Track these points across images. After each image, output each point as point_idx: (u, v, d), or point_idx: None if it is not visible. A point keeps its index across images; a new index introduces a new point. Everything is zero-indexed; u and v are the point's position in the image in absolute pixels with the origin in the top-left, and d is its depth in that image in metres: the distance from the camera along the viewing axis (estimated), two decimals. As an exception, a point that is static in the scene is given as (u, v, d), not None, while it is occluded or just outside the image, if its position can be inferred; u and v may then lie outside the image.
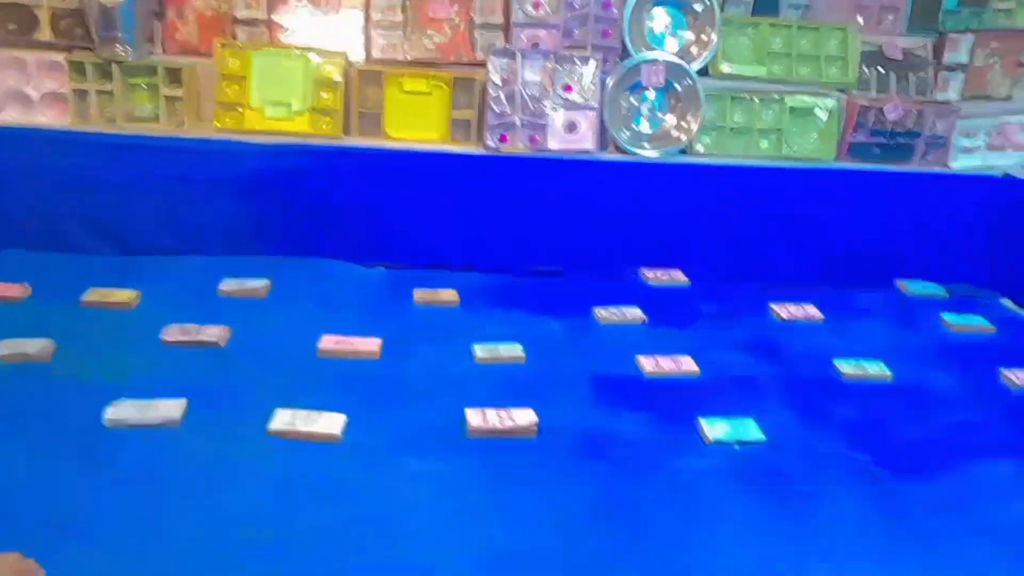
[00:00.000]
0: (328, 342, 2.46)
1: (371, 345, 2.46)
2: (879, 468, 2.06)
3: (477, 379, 2.35)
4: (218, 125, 3.07)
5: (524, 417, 2.12)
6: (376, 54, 3.22)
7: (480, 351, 2.47)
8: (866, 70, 3.34)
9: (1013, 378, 2.51)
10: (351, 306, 2.73)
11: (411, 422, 2.12)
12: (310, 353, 2.42)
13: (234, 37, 3.18)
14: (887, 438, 2.19)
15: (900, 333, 2.82)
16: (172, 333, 2.45)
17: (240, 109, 3.08)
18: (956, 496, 1.98)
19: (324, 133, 3.11)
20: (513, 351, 2.49)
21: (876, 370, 2.50)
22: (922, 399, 2.40)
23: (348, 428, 2.07)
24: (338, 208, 3.09)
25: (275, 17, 3.19)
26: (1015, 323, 2.99)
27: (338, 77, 3.11)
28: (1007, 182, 3.25)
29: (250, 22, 3.19)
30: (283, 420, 2.08)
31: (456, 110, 3.17)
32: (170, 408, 2.08)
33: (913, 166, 3.31)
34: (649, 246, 3.25)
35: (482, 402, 2.18)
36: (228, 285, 2.79)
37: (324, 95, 3.12)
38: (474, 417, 2.13)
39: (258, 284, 2.80)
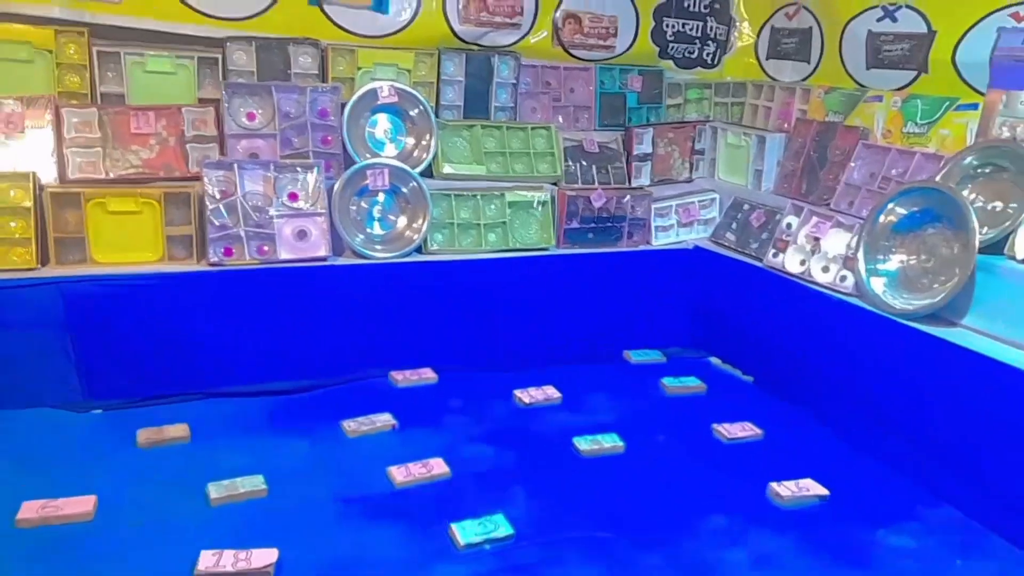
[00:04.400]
0: (30, 509, 2.14)
1: (83, 505, 2.17)
2: (619, 541, 2.18)
3: (211, 524, 2.16)
4: None
5: (262, 558, 1.98)
6: (73, 174, 2.96)
7: (215, 491, 2.28)
8: (571, 163, 3.69)
9: (724, 432, 2.82)
10: (59, 461, 2.41)
11: (131, 591, 1.89)
12: (7, 525, 2.09)
13: None
14: (624, 510, 2.34)
15: (628, 402, 3.06)
16: None
17: (-99, 247, 2.66)
18: (684, 555, 2.15)
19: (15, 266, 2.77)
20: (253, 485, 2.33)
21: (610, 443, 2.69)
22: (650, 465, 2.61)
23: (54, 613, 1.79)
24: (40, 347, 2.74)
25: (-58, 141, 2.83)
26: (722, 379, 3.38)
27: (27, 203, 2.81)
28: (698, 252, 3.72)
29: (-90, 148, 2.80)
30: (-32, 619, 1.75)
31: (171, 227, 3.00)
32: None
33: (622, 246, 3.67)
34: (396, 347, 3.26)
35: (219, 546, 2.02)
36: None
37: (12, 224, 2.79)
38: (207, 560, 1.96)
39: (-64, 451, 2.39)
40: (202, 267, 2.99)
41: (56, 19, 3.04)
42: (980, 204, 2.73)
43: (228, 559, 1.99)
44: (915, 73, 3.32)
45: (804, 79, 3.89)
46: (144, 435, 2.58)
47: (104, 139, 3.02)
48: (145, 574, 1.96)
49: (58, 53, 3.04)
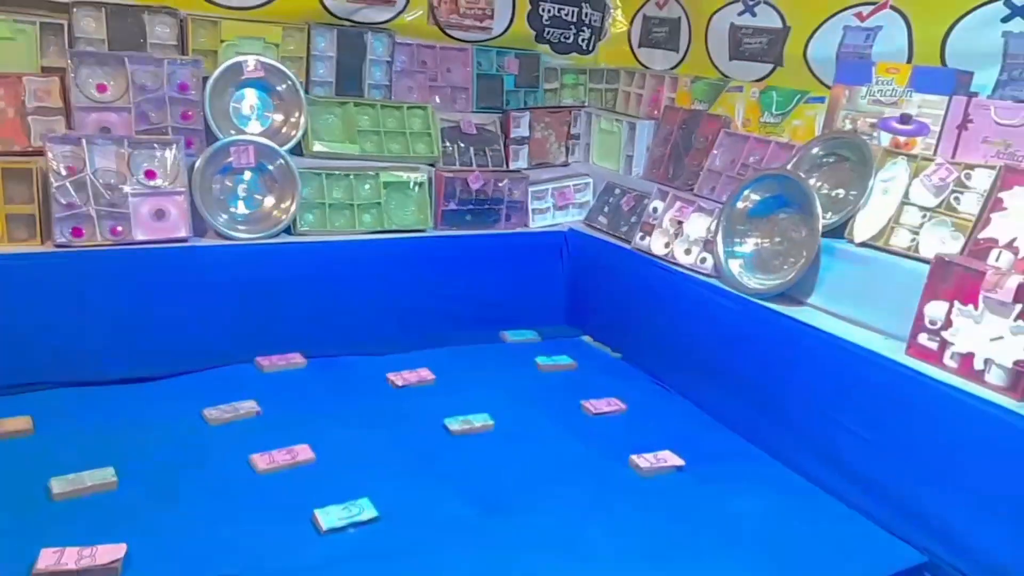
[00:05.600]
0: None
1: (-96, 506, 2.00)
2: (483, 517, 2.21)
3: (54, 520, 2.03)
4: None
5: (108, 554, 1.88)
6: None
7: (58, 485, 2.15)
8: (448, 145, 3.67)
9: (590, 407, 2.90)
10: None
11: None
12: None
13: None
14: (491, 487, 2.38)
15: (502, 381, 3.09)
16: None
17: None
18: (548, 526, 2.20)
19: None
20: (102, 477, 2.20)
21: (480, 422, 2.71)
22: (520, 441, 2.65)
23: None
24: None
25: None
26: (593, 356, 3.48)
27: None
28: (572, 235, 3.79)
29: None
30: None
31: (11, 205, 2.78)
32: None
33: (500, 229, 3.70)
34: (263, 332, 3.15)
35: (62, 543, 1.90)
36: None
37: None
38: (47, 559, 1.85)
39: None
40: (47, 248, 2.79)
41: None
42: (825, 191, 2.91)
43: (71, 556, 1.89)
44: (772, 66, 3.50)
45: (673, 67, 4.02)
46: (-21, 429, 2.39)
47: (-70, 108, 2.76)
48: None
49: None
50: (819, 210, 2.74)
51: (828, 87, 3.17)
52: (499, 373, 3.18)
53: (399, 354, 3.25)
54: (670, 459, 2.55)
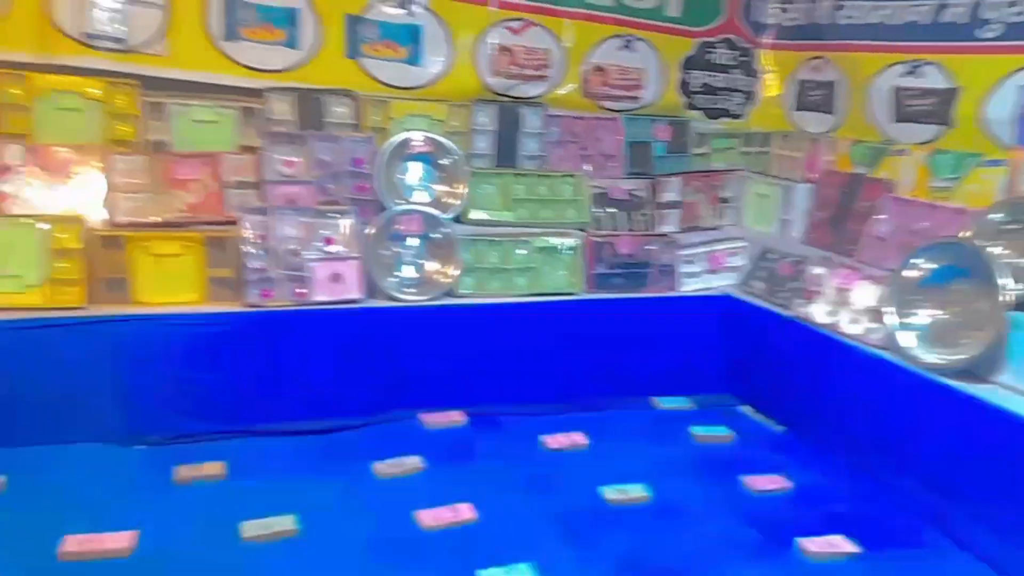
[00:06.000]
0: (72, 543, 2.21)
1: (123, 540, 2.24)
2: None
3: (243, 562, 2.20)
4: (-68, 306, 2.74)
5: (294, 603, 2.02)
6: (120, 218, 3.08)
7: (247, 529, 2.33)
8: (598, 210, 3.76)
9: (752, 484, 2.81)
10: (101, 496, 2.48)
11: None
12: (48, 559, 2.15)
13: (-52, 209, 2.90)
14: (651, 561, 2.35)
15: (655, 450, 3.06)
16: None
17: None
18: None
19: (65, 305, 2.88)
20: (284, 524, 2.37)
21: (637, 492, 2.69)
22: (678, 516, 2.60)
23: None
24: (86, 385, 2.83)
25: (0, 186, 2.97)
26: (753, 429, 3.37)
27: (75, 244, 2.93)
28: (727, 299, 3.74)
29: (-30, 192, 2.95)
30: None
31: (212, 268, 3.10)
32: None
33: (650, 292, 3.71)
34: (425, 389, 3.30)
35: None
36: (-49, 489, 2.43)
37: (62, 264, 2.91)
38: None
39: (-13, 484, 2.47)
40: (241, 308, 3.08)
41: (106, 71, 3.20)
42: (1013, 260, 2.73)
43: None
44: (940, 127, 3.36)
45: (829, 131, 3.94)
46: (183, 471, 2.65)
47: (150, 184, 3.14)
48: (180, 612, 2.00)
49: (108, 103, 3.19)
50: (1000, 280, 2.57)
51: (1007, 149, 3.01)
52: (653, 441, 3.16)
53: (552, 416, 3.30)
54: (843, 545, 2.41)
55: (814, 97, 4.03)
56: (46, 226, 2.91)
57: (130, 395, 2.88)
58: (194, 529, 2.35)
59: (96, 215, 3.06)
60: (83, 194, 3.06)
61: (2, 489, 2.47)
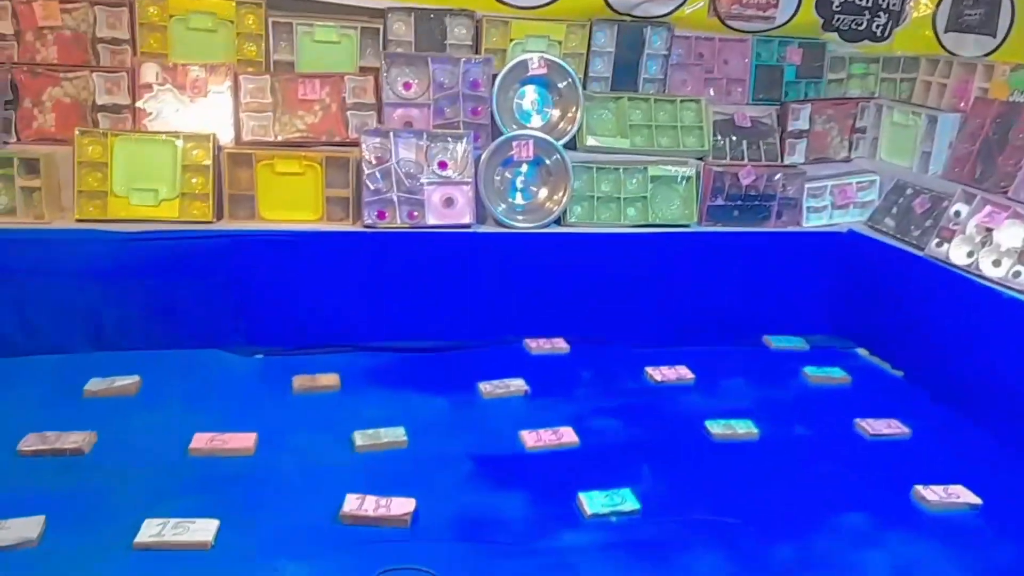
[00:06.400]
0: (200, 440, 2.39)
1: (246, 441, 2.40)
2: (747, 529, 2.15)
3: (356, 469, 2.32)
4: (80, 215, 2.96)
5: (400, 506, 2.11)
6: (246, 136, 3.20)
7: (360, 439, 2.45)
8: (719, 138, 3.58)
9: (867, 428, 2.69)
10: (226, 400, 2.66)
11: (285, 521, 2.08)
12: (180, 454, 2.34)
13: (95, 124, 3.10)
14: (754, 498, 2.30)
15: (765, 389, 2.98)
16: (30, 442, 2.32)
17: (104, 198, 2.98)
18: (817, 551, 2.09)
19: (195, 218, 3.05)
20: (395, 436, 2.47)
21: (744, 429, 2.63)
22: (786, 455, 2.54)
23: (220, 534, 2.00)
24: (213, 295, 3.02)
25: (139, 104, 3.13)
26: (869, 372, 3.21)
27: (207, 161, 3.07)
28: (852, 236, 3.52)
29: (112, 108, 3.13)
30: (151, 532, 1.99)
31: (331, 189, 3.18)
32: (26, 527, 1.96)
33: (769, 227, 3.54)
34: (531, 315, 3.32)
35: (363, 491, 2.17)
36: (95, 385, 2.65)
37: (193, 180, 3.07)
38: (351, 503, 2.12)
39: (127, 382, 2.68)
40: (357, 228, 3.16)
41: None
42: None
43: (370, 504, 2.13)
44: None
45: (987, 55, 3.56)
46: (299, 381, 2.79)
47: (275, 104, 3.24)
48: (297, 509, 2.13)
49: (238, 23, 3.28)
50: None
51: None
52: (762, 380, 3.07)
53: (657, 348, 3.25)
54: (963, 495, 2.29)
55: (972, 16, 3.65)
56: (180, 143, 3.06)
57: (252, 307, 3.05)
58: (309, 436, 2.49)
59: (225, 134, 3.19)
60: (214, 113, 3.19)
61: (138, 387, 2.68)
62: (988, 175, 3.18)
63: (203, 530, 2.00)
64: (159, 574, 1.88)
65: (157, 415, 2.53)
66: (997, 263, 2.84)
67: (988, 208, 2.98)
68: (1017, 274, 2.76)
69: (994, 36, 3.53)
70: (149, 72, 3.17)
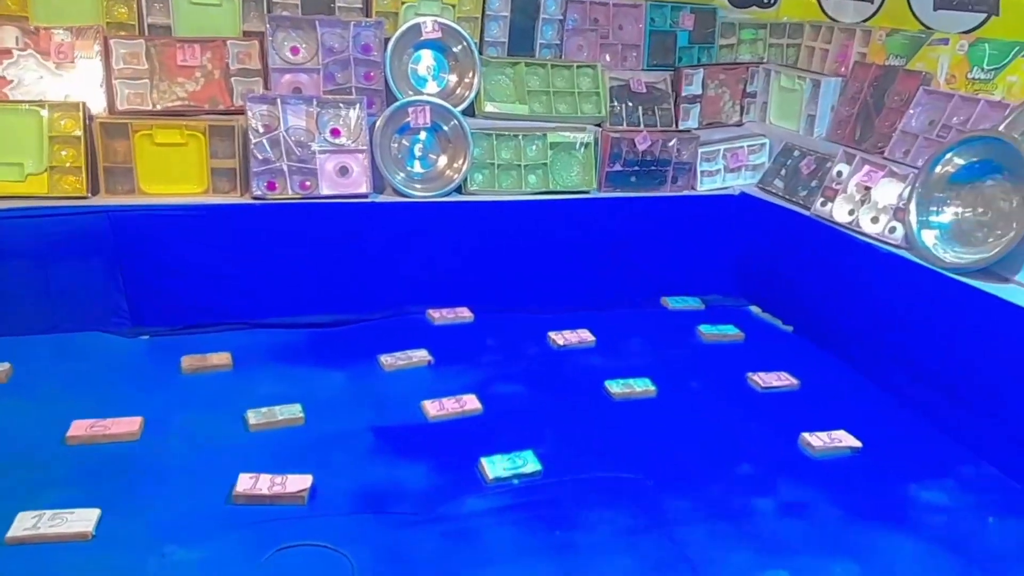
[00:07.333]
0: (79, 428, 2.25)
1: (130, 426, 2.27)
2: (645, 484, 2.20)
3: (250, 449, 2.24)
4: (-67, 193, 2.73)
5: (296, 483, 2.05)
6: (121, 105, 3.01)
7: (253, 417, 2.36)
8: (616, 104, 3.61)
9: (759, 381, 2.79)
10: (108, 384, 2.51)
11: (173, 505, 1.99)
12: (57, 442, 2.20)
13: (-53, 93, 2.85)
14: (652, 454, 2.36)
15: (663, 348, 3.05)
16: None
17: (-40, 173, 2.75)
18: (710, 501, 2.16)
19: (66, 194, 2.85)
20: (291, 413, 2.40)
21: (642, 387, 2.69)
22: (682, 411, 2.61)
23: (101, 523, 1.90)
24: (92, 275, 2.84)
25: (-3, 70, 2.89)
26: (761, 328, 3.34)
27: (77, 132, 2.87)
28: (744, 199, 3.63)
29: (-34, 76, 2.88)
30: (25, 525, 1.87)
31: (216, 159, 3.03)
32: None
33: (665, 191, 3.60)
34: (433, 285, 3.28)
35: (257, 470, 2.10)
36: (-42, 374, 2.47)
37: (63, 152, 2.86)
38: (244, 483, 2.05)
39: (-4, 369, 2.50)
40: (246, 200, 3.03)
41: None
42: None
43: (264, 483, 2.07)
44: (985, 15, 3.14)
45: (866, 20, 3.71)
46: (188, 361, 2.66)
47: (151, 71, 3.05)
48: (187, 492, 2.05)
49: (106, -18, 3.06)
50: (1037, 177, 2.45)
51: (1056, 38, 2.81)
52: (660, 339, 3.14)
53: (560, 313, 3.27)
54: (845, 439, 2.41)
55: (851, -17, 3.78)
56: (46, 112, 2.85)
57: (135, 286, 2.88)
58: (199, 417, 2.38)
59: (97, 103, 2.99)
60: (83, 80, 2.97)
61: (8, 375, 2.50)
62: (867, 136, 3.33)
63: (82, 520, 1.90)
64: (35, 569, 1.77)
65: (30, 403, 2.37)
66: (875, 220, 2.98)
67: (867, 168, 3.12)
68: (892, 229, 2.90)
69: (872, 1, 3.67)
70: (8, 36, 2.92)
